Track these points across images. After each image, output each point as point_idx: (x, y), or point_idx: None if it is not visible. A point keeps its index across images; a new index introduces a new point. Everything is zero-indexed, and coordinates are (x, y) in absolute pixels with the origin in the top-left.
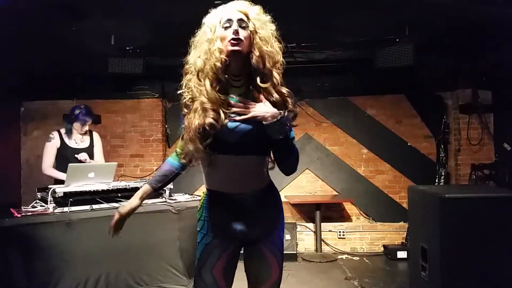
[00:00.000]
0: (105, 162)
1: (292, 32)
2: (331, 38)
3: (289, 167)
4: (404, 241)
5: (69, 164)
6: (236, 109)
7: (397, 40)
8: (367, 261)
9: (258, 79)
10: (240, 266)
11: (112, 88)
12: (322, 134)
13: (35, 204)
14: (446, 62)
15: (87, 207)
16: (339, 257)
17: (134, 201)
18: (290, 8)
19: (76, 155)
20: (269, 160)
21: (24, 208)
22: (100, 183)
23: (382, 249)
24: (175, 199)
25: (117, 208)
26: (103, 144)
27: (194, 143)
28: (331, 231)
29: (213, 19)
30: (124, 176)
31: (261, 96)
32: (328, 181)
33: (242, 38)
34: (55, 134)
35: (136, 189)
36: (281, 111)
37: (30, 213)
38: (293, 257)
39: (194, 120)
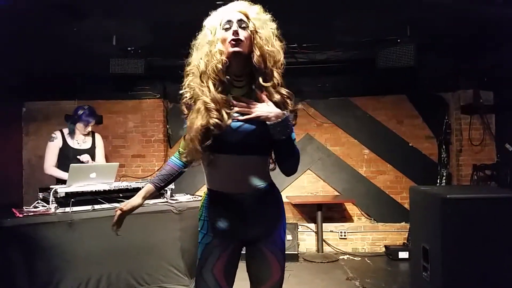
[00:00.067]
0: (107, 162)
1: (293, 32)
2: (332, 38)
3: (290, 168)
4: (405, 241)
5: (71, 165)
6: (238, 109)
7: (399, 40)
8: (368, 261)
9: (260, 79)
10: (243, 266)
11: (113, 89)
12: (323, 135)
13: (36, 204)
14: (448, 63)
15: (88, 207)
16: (341, 257)
17: (136, 199)
18: (291, 8)
19: (78, 156)
20: (270, 160)
21: (25, 208)
22: (101, 183)
23: (383, 249)
24: (176, 199)
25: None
26: (104, 145)
27: (196, 143)
28: (332, 231)
29: (214, 21)
30: (126, 177)
31: (264, 96)
32: (330, 182)
33: (242, 38)
34: (57, 134)
35: (137, 189)
36: (285, 112)
37: (31, 213)
38: (295, 258)
39: (197, 120)
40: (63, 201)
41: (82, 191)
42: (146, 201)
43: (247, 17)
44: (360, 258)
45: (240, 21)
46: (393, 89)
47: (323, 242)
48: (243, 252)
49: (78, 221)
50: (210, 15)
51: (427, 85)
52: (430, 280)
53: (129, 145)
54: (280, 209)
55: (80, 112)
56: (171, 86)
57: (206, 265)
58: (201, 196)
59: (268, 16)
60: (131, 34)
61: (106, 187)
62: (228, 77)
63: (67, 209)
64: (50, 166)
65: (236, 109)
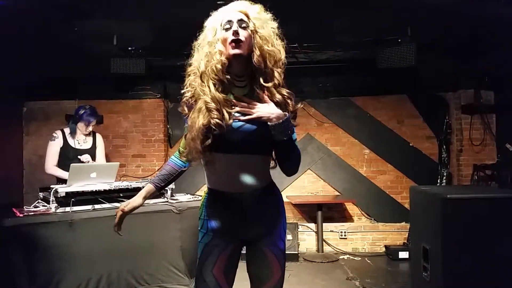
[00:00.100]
0: (107, 162)
1: (293, 32)
2: (332, 38)
3: (291, 168)
4: (405, 241)
5: (71, 164)
6: (239, 109)
7: (399, 40)
8: (368, 261)
9: (260, 79)
10: (244, 266)
11: (114, 88)
12: (324, 135)
13: (37, 204)
14: (448, 63)
15: (89, 207)
16: (341, 257)
17: (137, 200)
18: (291, 9)
19: (79, 156)
20: (271, 160)
21: (26, 208)
22: (102, 183)
23: (383, 249)
24: (176, 199)
25: (118, 208)
26: (105, 144)
27: (197, 143)
28: (332, 231)
29: (214, 21)
30: (126, 176)
31: (265, 97)
32: (330, 182)
33: (243, 39)
34: (58, 134)
35: (138, 189)
36: (286, 113)
37: (32, 213)
38: (295, 257)
39: (198, 119)
40: (63, 201)
41: (83, 191)
42: (146, 201)
43: (248, 17)
44: (360, 258)
45: (240, 21)
46: (394, 89)
47: (323, 242)
48: (243, 252)
49: (78, 221)
50: (210, 15)
51: (427, 85)
52: (430, 280)
53: (130, 145)
54: (280, 208)
55: (82, 111)
56: (172, 86)
57: (206, 265)
58: (201, 196)
59: (269, 16)
60: (131, 34)
61: (107, 187)
62: (228, 77)
63: (68, 209)
64: (52, 166)
65: (237, 108)
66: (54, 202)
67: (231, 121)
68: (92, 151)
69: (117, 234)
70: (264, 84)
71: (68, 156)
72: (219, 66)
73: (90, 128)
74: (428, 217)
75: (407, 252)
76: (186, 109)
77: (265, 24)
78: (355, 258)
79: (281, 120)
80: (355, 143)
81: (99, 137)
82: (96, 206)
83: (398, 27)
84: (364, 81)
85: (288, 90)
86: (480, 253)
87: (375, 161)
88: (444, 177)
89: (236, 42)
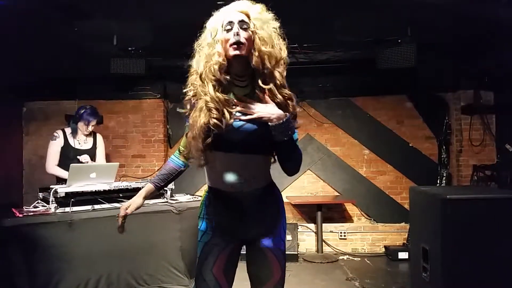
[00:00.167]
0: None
1: (293, 32)
2: (332, 38)
3: (292, 168)
4: (405, 242)
5: (71, 165)
6: (240, 108)
7: (399, 40)
8: (368, 262)
9: (259, 80)
10: (244, 266)
11: (114, 89)
12: (323, 135)
13: (36, 204)
14: (448, 63)
15: (88, 207)
16: (340, 257)
17: (137, 200)
18: (292, 9)
19: (78, 157)
20: (272, 159)
21: (25, 208)
22: (101, 183)
23: (383, 250)
24: (176, 200)
25: (118, 208)
26: (105, 145)
27: (198, 141)
28: (332, 231)
29: (215, 22)
30: (126, 177)
31: (266, 97)
32: (330, 182)
33: (243, 41)
34: (59, 133)
35: (137, 189)
36: (287, 113)
37: (31, 213)
38: (294, 258)
39: (199, 118)
40: (63, 201)
41: (82, 191)
42: (146, 201)
43: (249, 17)
44: (359, 259)
45: (241, 22)
46: (394, 89)
47: (323, 243)
48: (243, 252)
49: (78, 221)
50: (210, 15)
51: (427, 85)
52: (429, 281)
53: (130, 145)
54: (280, 209)
55: (82, 111)
56: (172, 86)
57: (205, 264)
58: (201, 196)
59: (270, 15)
60: (131, 34)
61: (106, 187)
62: (228, 77)
63: (67, 209)
64: (53, 166)
65: (238, 108)
66: (53, 202)
67: (231, 120)
68: (92, 152)
69: (117, 234)
70: (262, 86)
71: (68, 156)
72: (216, 67)
73: (90, 128)
74: (428, 217)
75: (407, 253)
76: (188, 107)
77: (266, 25)
78: (355, 259)
79: (281, 121)
80: (355, 143)
81: (99, 137)
82: (96, 207)
83: (398, 27)
84: (364, 81)
85: (289, 92)
86: (480, 253)
87: (374, 161)
88: (444, 178)
89: (237, 44)
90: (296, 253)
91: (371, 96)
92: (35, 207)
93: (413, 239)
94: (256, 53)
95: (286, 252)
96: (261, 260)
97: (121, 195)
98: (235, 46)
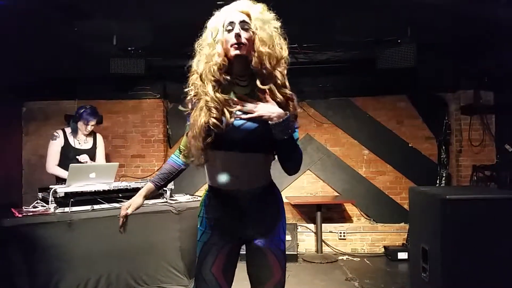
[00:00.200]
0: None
1: (293, 32)
2: (332, 38)
3: (292, 168)
4: (405, 242)
5: (71, 165)
6: (241, 107)
7: (399, 41)
8: (367, 262)
9: (258, 81)
10: (244, 266)
11: (113, 89)
12: (323, 135)
13: (36, 204)
14: (448, 63)
15: (88, 207)
16: (340, 258)
17: (138, 199)
18: (291, 9)
19: (77, 157)
20: (272, 158)
21: (25, 208)
22: (101, 183)
23: (382, 250)
24: (176, 200)
25: (118, 208)
26: (105, 145)
27: (198, 140)
28: (331, 232)
29: (216, 22)
30: (125, 177)
31: (267, 96)
32: (329, 182)
33: (244, 41)
34: (59, 133)
35: (137, 189)
36: (287, 112)
37: (31, 213)
38: (294, 258)
39: (200, 118)
40: (62, 201)
41: (82, 191)
42: (146, 201)
43: (249, 17)
44: (359, 259)
45: (242, 22)
46: (393, 90)
47: (323, 243)
48: (243, 252)
49: (77, 221)
50: (211, 14)
51: (427, 86)
52: (429, 281)
53: (129, 145)
54: (280, 209)
55: (82, 110)
56: (171, 86)
57: (205, 264)
58: (200, 196)
59: (271, 15)
60: (131, 34)
61: (106, 187)
62: (228, 77)
63: (67, 209)
64: (53, 165)
65: (238, 107)
66: (53, 202)
67: (232, 119)
68: (92, 152)
69: (116, 234)
70: (261, 86)
71: (68, 156)
72: (215, 68)
73: (90, 128)
74: (427, 217)
75: (406, 253)
76: (189, 106)
77: (266, 25)
78: (354, 259)
79: (281, 119)
80: (354, 143)
81: (99, 137)
82: (95, 207)
83: (398, 27)
84: (364, 81)
85: (290, 92)
86: (479, 253)
87: (374, 161)
88: (443, 178)
89: (238, 44)
90: (295, 253)
91: (371, 96)
92: (35, 207)
93: (412, 239)
94: (256, 54)
95: (286, 252)
96: (261, 260)
97: (120, 195)
98: (236, 46)
